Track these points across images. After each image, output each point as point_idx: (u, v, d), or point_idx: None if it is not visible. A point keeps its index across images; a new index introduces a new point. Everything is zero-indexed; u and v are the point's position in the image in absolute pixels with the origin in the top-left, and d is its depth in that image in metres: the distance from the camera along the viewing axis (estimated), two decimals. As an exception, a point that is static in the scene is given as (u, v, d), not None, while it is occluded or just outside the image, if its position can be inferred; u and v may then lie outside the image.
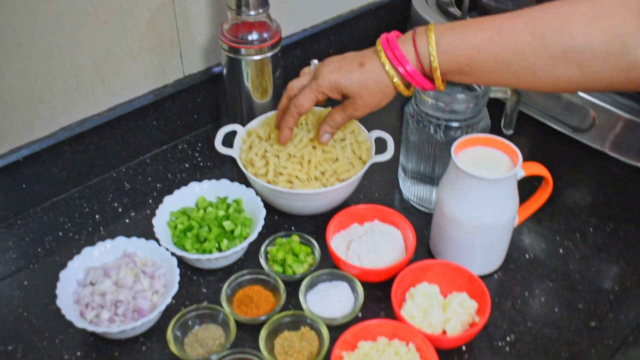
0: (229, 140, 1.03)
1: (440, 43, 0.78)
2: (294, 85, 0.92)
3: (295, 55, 1.28)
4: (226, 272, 0.92)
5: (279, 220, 1.02)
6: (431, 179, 1.01)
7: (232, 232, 0.93)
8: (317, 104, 0.91)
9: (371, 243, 0.92)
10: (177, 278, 0.83)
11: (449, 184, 0.87)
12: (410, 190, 1.05)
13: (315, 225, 1.01)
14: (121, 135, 1.09)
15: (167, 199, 0.97)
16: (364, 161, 1.00)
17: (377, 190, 1.08)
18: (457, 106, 0.92)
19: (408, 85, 0.84)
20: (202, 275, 0.92)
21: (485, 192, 0.83)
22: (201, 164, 1.14)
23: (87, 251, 0.87)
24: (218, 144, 1.00)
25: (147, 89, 1.10)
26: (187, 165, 1.13)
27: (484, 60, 0.76)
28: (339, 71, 0.84)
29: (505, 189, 0.84)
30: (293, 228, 1.00)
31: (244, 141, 1.03)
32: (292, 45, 1.26)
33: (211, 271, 0.93)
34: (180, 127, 1.18)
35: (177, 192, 0.98)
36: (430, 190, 1.02)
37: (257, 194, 0.98)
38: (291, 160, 0.96)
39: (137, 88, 1.09)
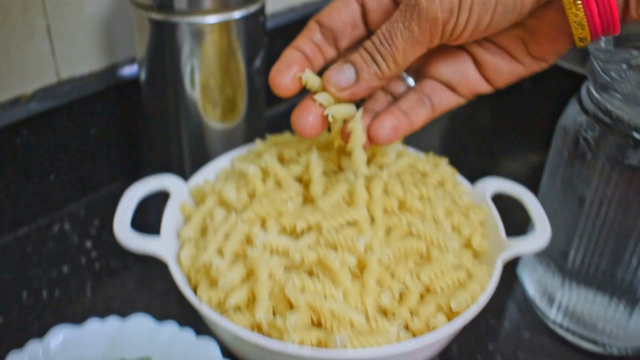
0: (150, 216, 0.44)
1: None
2: None
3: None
4: None
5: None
6: (631, 286, 0.44)
7: None
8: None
9: None
10: None
11: None
12: (568, 298, 0.47)
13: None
14: None
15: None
16: (479, 251, 0.42)
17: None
18: None
19: None
20: None
21: None
22: (97, 264, 0.53)
23: None
24: (121, 229, 0.40)
25: (-28, 108, 0.51)
26: (65, 270, 0.53)
27: None
28: None
29: None
30: None
31: (189, 214, 0.43)
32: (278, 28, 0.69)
33: None
34: (56, 188, 0.58)
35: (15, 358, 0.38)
36: (622, 307, 0.45)
37: (226, 350, 0.39)
38: (319, 262, 0.37)
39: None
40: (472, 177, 0.48)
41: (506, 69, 0.38)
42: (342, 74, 0.36)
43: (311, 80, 0.37)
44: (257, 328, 0.36)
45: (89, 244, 0.55)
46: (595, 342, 0.47)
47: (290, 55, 0.38)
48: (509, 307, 0.51)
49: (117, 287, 0.51)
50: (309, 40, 0.39)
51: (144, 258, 0.54)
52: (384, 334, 0.34)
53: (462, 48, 0.39)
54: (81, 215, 0.58)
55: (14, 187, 0.54)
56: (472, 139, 0.75)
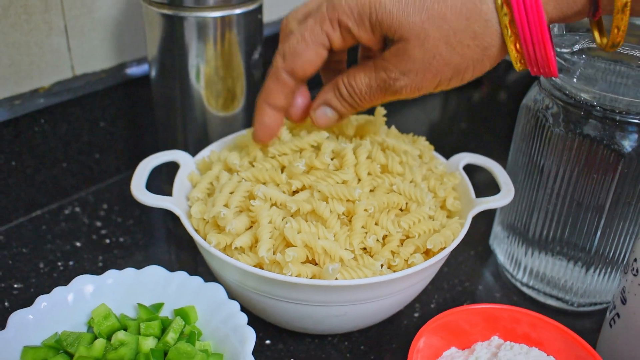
0: (162, 183, 0.49)
1: None
2: (295, 15, 0.44)
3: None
4: None
5: (282, 349, 0.47)
6: (585, 250, 0.49)
7: (176, 392, 0.38)
8: (333, 64, 0.46)
9: (514, 398, 0.39)
10: None
11: None
12: (533, 265, 0.53)
13: (357, 355, 0.46)
14: None
15: (17, 319, 0.41)
16: (453, 211, 0.48)
17: (455, 271, 0.56)
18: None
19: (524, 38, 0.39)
20: None
21: None
22: (107, 240, 0.58)
23: None
24: (138, 189, 0.46)
25: (-4, 97, 0.56)
26: (78, 244, 0.57)
27: None
28: None
29: None
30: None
31: (196, 182, 0.49)
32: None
33: None
34: (67, 175, 0.63)
35: (42, 301, 0.42)
36: (578, 269, 0.51)
37: (232, 295, 0.44)
38: (313, 213, 0.42)
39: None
40: (448, 156, 0.54)
41: None
42: (326, 116, 0.45)
43: (284, 134, 0.47)
44: (259, 267, 0.41)
45: (98, 224, 0.60)
46: (558, 299, 0.52)
47: (268, 120, 0.44)
48: (483, 274, 0.56)
49: (127, 259, 0.56)
50: (283, 95, 0.44)
51: (152, 235, 0.59)
52: (370, 268, 0.40)
53: None
54: (90, 200, 0.63)
55: (30, 172, 0.59)
56: (451, 125, 0.83)
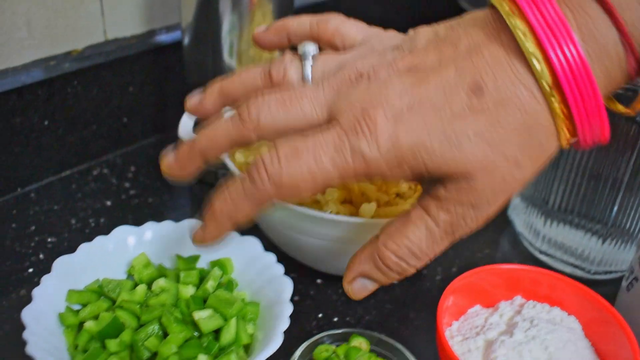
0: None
1: None
2: (325, 64, 0.36)
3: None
4: None
5: (320, 296, 0.49)
6: (603, 222, 0.51)
7: (214, 336, 0.40)
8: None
9: (537, 351, 0.40)
10: None
11: None
12: (551, 234, 0.55)
13: (382, 312, 0.48)
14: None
15: (61, 264, 0.42)
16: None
17: (475, 239, 0.57)
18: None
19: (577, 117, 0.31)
20: None
21: None
22: (136, 200, 0.60)
23: None
24: (185, 131, 0.48)
25: (33, 57, 0.57)
26: (108, 204, 0.59)
27: None
28: (423, 118, 0.31)
29: None
30: (350, 318, 0.47)
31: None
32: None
33: None
34: (97, 137, 0.64)
35: (84, 249, 0.44)
36: (595, 239, 0.52)
37: (272, 239, 0.46)
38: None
39: (13, 54, 0.56)
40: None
41: None
42: (366, 289, 0.36)
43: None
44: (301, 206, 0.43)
45: (127, 185, 0.61)
46: (574, 266, 0.54)
47: (222, 235, 0.34)
48: (501, 242, 0.58)
49: (156, 219, 0.57)
50: (254, 211, 0.33)
51: (180, 196, 0.61)
52: (401, 209, 0.42)
53: None
54: (118, 163, 0.65)
55: (61, 132, 0.61)
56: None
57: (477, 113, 0.31)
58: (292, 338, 0.41)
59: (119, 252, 0.45)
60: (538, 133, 0.31)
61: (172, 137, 0.68)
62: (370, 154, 0.31)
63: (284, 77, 0.36)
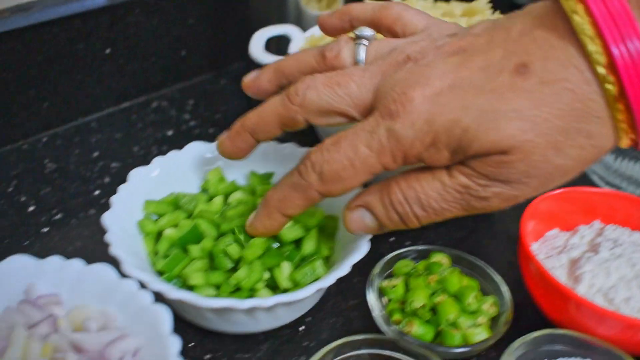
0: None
1: None
2: (380, 48, 0.37)
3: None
4: (282, 341, 0.38)
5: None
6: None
7: (295, 246, 0.39)
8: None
9: (625, 268, 0.40)
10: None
11: None
12: (621, 167, 0.54)
13: (466, 232, 0.48)
14: (41, 70, 0.55)
15: (137, 175, 0.42)
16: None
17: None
18: None
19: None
20: (219, 347, 0.38)
21: None
22: (197, 130, 0.59)
23: None
24: (256, 50, 0.47)
25: (96, -18, 0.57)
26: (169, 133, 0.59)
27: None
28: (461, 97, 0.31)
29: None
30: (422, 242, 0.46)
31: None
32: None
33: (241, 339, 0.38)
34: (156, 69, 0.64)
35: (158, 162, 0.43)
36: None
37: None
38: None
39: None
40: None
41: None
42: (362, 222, 0.35)
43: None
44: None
45: (187, 117, 0.61)
46: None
47: (275, 227, 0.37)
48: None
49: (218, 148, 0.57)
50: (304, 207, 0.35)
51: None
52: None
53: None
54: (176, 96, 0.64)
55: (122, 61, 0.60)
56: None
57: (518, 91, 0.29)
58: (365, 258, 0.40)
59: (192, 167, 0.45)
60: (587, 121, 0.29)
61: (228, 74, 0.68)
62: (404, 133, 0.31)
63: (337, 58, 0.36)
